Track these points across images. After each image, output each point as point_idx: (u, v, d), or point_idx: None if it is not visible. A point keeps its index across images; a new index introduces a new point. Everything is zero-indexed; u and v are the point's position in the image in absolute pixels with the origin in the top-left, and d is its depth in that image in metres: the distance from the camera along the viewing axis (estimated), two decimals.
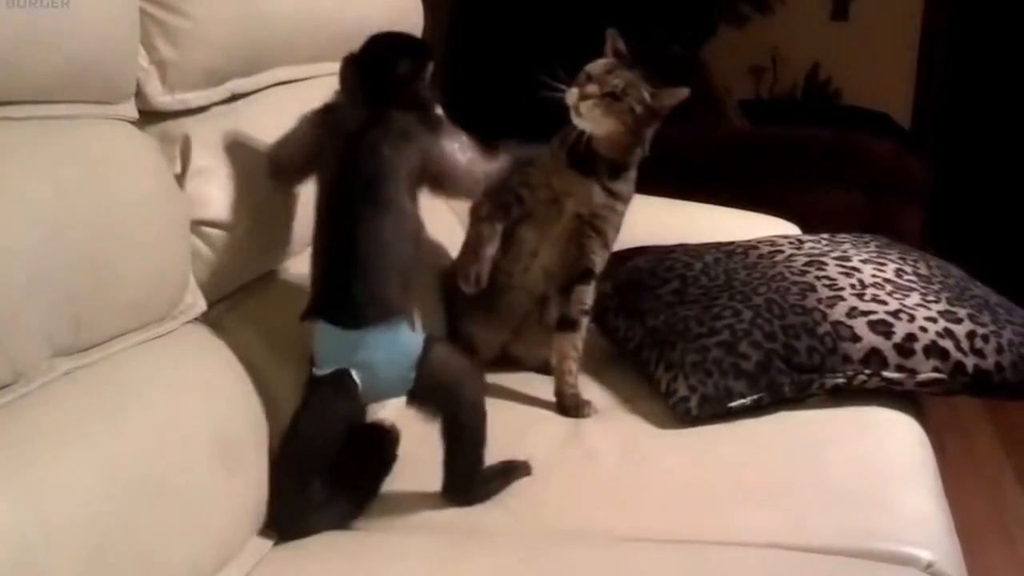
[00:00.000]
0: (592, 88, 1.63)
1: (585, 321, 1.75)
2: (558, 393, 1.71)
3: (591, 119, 1.63)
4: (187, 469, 1.20)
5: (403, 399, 1.40)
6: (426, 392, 1.37)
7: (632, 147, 1.69)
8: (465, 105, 2.73)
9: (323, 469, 1.34)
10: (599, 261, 1.74)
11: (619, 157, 1.69)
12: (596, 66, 1.66)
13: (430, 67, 1.45)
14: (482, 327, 1.80)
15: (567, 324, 1.74)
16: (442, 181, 1.45)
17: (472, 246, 1.69)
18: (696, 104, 4.16)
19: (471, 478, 1.41)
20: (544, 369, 1.81)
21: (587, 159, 1.67)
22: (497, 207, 1.69)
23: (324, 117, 1.44)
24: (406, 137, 1.38)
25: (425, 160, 1.40)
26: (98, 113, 1.26)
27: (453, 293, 1.78)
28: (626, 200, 1.73)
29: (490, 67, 3.63)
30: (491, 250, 1.68)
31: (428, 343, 1.36)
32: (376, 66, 1.44)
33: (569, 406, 1.69)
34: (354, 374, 1.32)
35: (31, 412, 1.06)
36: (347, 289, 1.33)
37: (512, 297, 1.78)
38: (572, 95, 1.63)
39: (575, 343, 1.73)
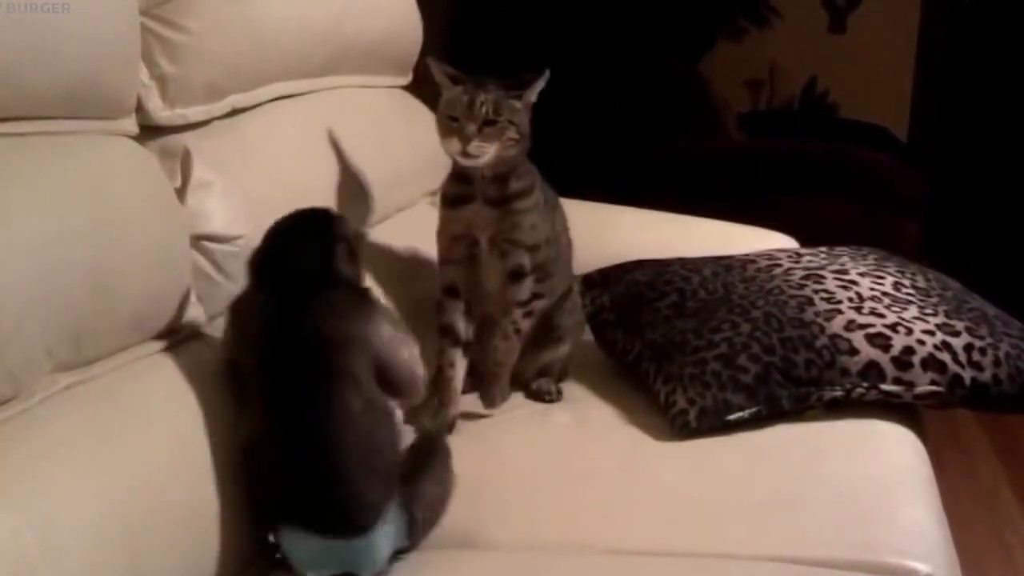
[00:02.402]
0: (470, 128, 1.60)
1: (519, 314, 1.72)
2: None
3: (482, 154, 1.61)
4: (186, 484, 1.21)
5: None
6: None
7: (521, 148, 1.67)
8: None
9: None
10: (527, 261, 1.72)
11: (508, 168, 1.67)
12: (454, 104, 1.62)
13: (341, 245, 1.33)
14: (481, 352, 1.80)
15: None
16: (383, 373, 1.29)
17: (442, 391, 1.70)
18: (694, 117, 4.20)
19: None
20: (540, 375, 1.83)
21: (467, 187, 1.68)
22: (443, 329, 1.72)
23: (235, 318, 1.34)
24: (338, 314, 1.26)
25: (365, 344, 1.27)
26: (99, 128, 1.26)
27: None
28: (527, 194, 1.71)
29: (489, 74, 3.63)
30: (459, 381, 1.72)
31: (412, 513, 1.25)
32: (282, 261, 1.32)
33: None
34: (365, 574, 1.20)
35: (31, 427, 1.06)
36: (323, 488, 1.18)
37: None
38: (454, 144, 1.61)
39: (505, 328, 1.72)
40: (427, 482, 1.30)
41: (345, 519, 1.18)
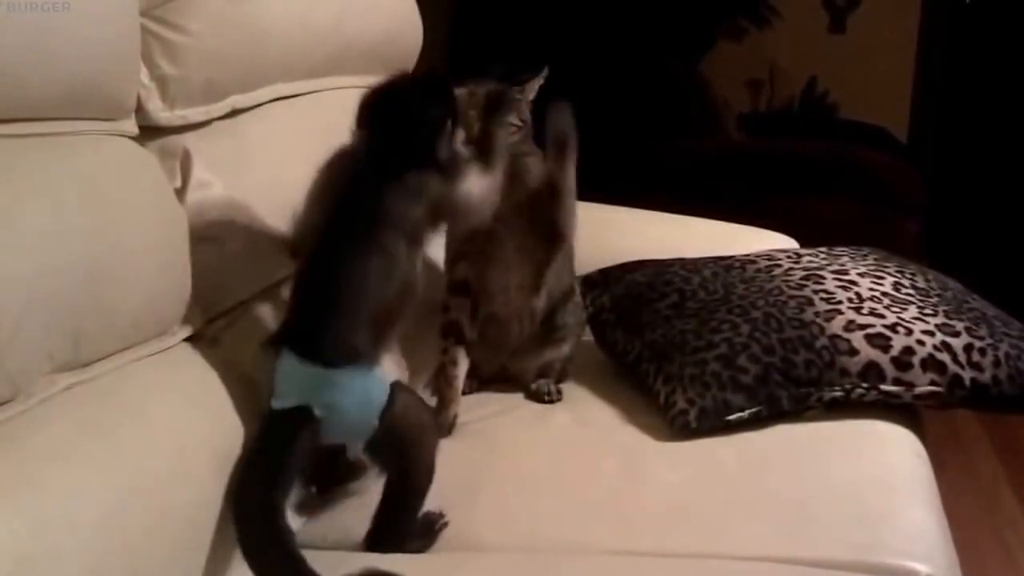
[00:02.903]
0: (471, 115, 1.61)
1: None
2: None
3: None
4: (186, 485, 1.20)
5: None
6: (385, 444, 1.32)
7: (525, 136, 1.72)
8: None
9: (282, 503, 1.24)
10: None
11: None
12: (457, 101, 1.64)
13: (450, 123, 1.42)
14: (483, 352, 1.80)
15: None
16: (455, 218, 1.49)
17: (444, 392, 1.72)
18: (694, 117, 4.20)
19: (405, 534, 1.36)
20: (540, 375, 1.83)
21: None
22: (449, 327, 1.74)
23: (336, 162, 1.41)
24: (417, 193, 1.35)
25: (436, 208, 1.38)
26: (99, 129, 1.26)
27: None
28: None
29: (489, 77, 3.62)
30: (461, 380, 1.73)
31: (394, 392, 1.31)
32: (396, 122, 1.39)
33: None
34: (316, 412, 1.25)
35: (31, 428, 1.06)
36: (320, 324, 1.28)
37: (506, 327, 1.78)
38: (458, 135, 1.59)
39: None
40: (407, 392, 1.37)
41: (320, 345, 1.26)
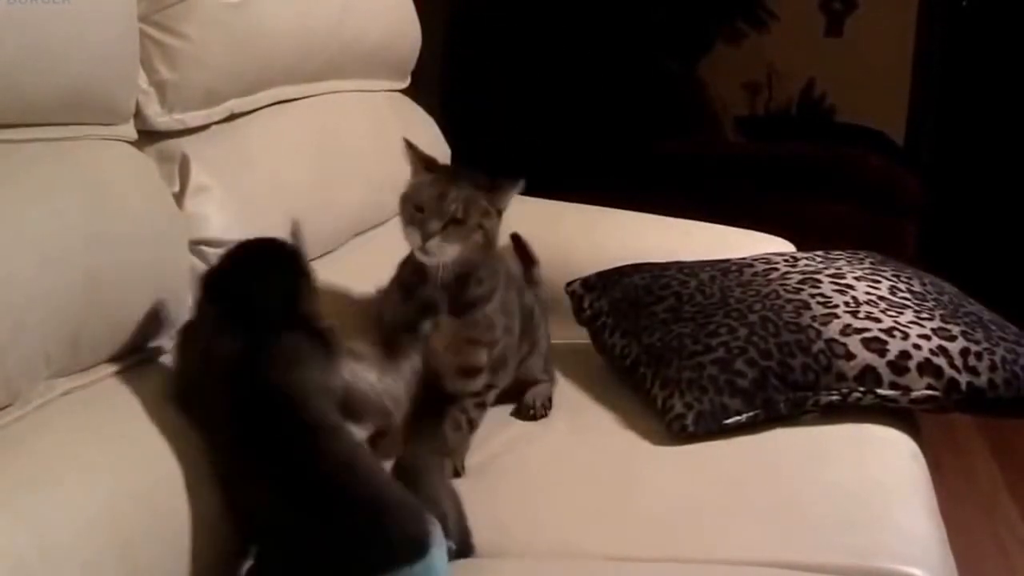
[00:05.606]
0: (433, 225, 1.46)
1: (471, 404, 1.62)
2: None
3: (441, 253, 1.48)
4: (184, 491, 1.20)
5: None
6: None
7: (486, 252, 1.55)
8: (462, 116, 2.74)
9: None
10: (484, 357, 1.61)
11: (469, 269, 1.55)
12: (423, 193, 1.49)
13: (308, 279, 1.27)
14: None
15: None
16: (351, 410, 1.25)
17: None
18: (692, 120, 4.20)
19: None
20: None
21: (423, 283, 1.53)
22: None
23: (186, 341, 1.27)
24: (299, 361, 1.20)
25: (329, 390, 1.22)
26: (98, 134, 1.27)
27: None
28: (487, 300, 1.59)
29: (487, 79, 3.64)
30: None
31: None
32: (249, 288, 1.24)
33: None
34: None
35: (29, 433, 1.06)
36: (368, 535, 1.08)
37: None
38: (414, 238, 1.48)
39: (455, 418, 1.60)
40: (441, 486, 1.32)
41: (400, 550, 1.07)
